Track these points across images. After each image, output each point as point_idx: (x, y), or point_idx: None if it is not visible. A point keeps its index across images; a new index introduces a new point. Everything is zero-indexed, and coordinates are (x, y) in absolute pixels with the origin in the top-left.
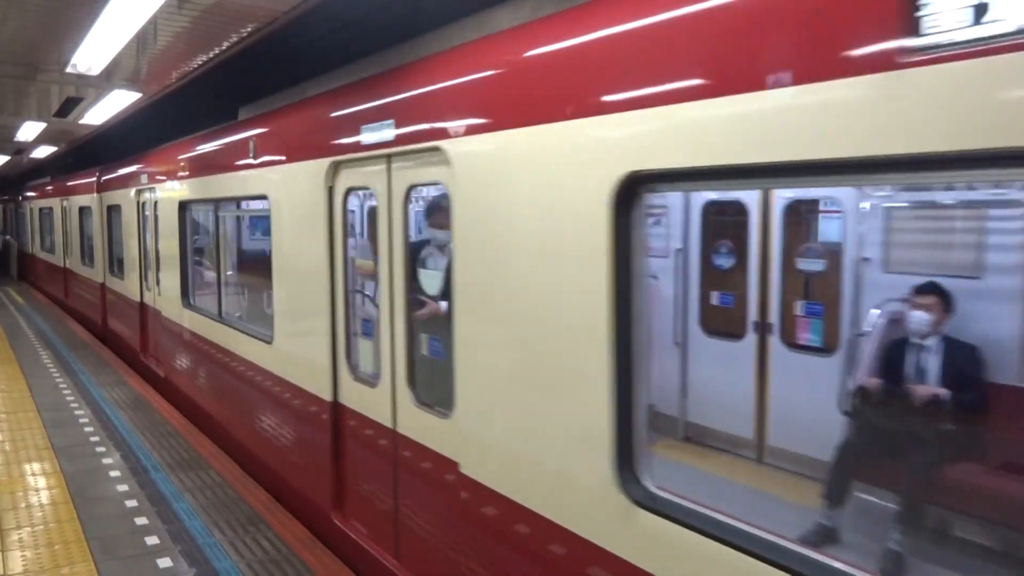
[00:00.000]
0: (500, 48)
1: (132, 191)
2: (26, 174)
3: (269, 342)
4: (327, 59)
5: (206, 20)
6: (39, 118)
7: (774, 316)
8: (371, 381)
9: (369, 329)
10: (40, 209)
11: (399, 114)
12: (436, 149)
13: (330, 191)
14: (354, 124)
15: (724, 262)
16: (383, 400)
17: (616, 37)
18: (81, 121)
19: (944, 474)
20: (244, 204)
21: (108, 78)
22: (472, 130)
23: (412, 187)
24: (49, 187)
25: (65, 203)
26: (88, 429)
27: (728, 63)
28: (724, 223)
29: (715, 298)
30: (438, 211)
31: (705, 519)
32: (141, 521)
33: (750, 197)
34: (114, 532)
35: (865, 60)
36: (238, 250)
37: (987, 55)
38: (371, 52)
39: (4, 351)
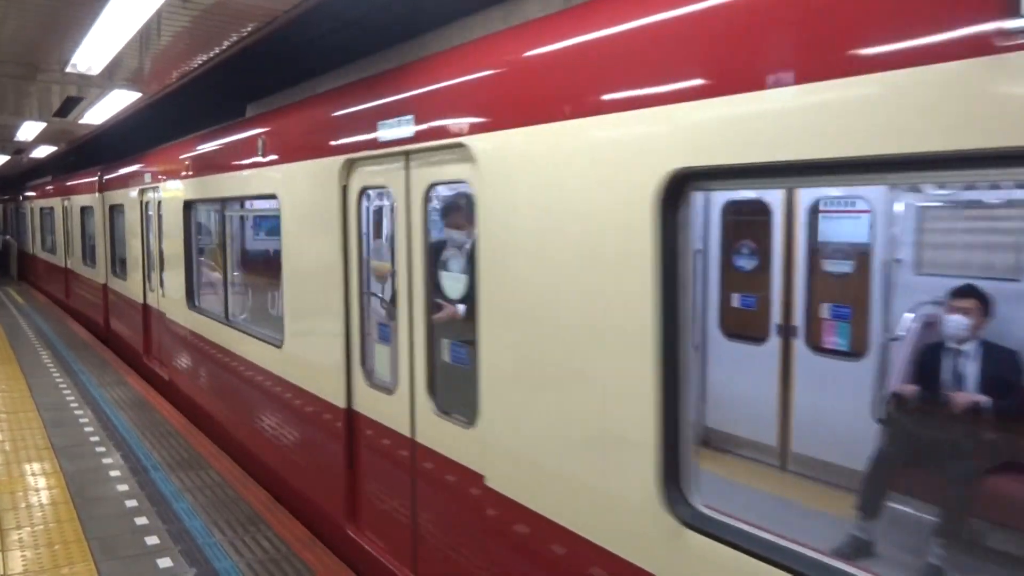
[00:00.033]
0: (532, 39)
1: (135, 191)
2: (26, 174)
3: (279, 346)
4: (333, 57)
5: (206, 19)
6: (39, 118)
7: (798, 319)
8: (388, 388)
9: (385, 334)
10: (41, 209)
11: (419, 109)
12: (460, 146)
13: (344, 190)
14: (370, 120)
15: (746, 263)
16: (400, 408)
17: (668, 23)
18: (81, 121)
19: (985, 484)
20: (247, 204)
21: (108, 78)
22: (500, 125)
23: (432, 186)
24: (50, 187)
25: (66, 203)
26: (88, 429)
27: (801, 48)
28: (746, 223)
29: (736, 300)
30: (455, 211)
31: (761, 542)
32: (141, 521)
33: (773, 196)
34: (114, 532)
35: (961, 44)
36: (246, 251)
37: None
38: (372, 51)
39: (4, 351)
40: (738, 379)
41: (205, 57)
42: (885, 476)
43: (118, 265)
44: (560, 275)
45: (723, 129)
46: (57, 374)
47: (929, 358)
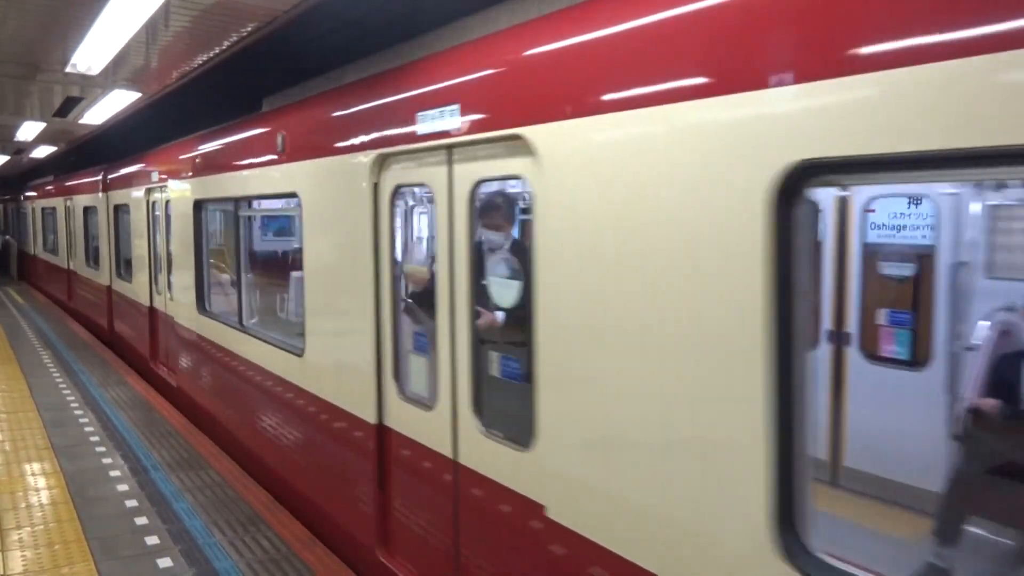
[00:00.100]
0: (608, 14)
1: (142, 190)
2: (26, 173)
3: (299, 354)
4: (333, 57)
5: (206, 19)
6: (39, 118)
7: (852, 325)
8: (425, 403)
9: (422, 344)
10: (43, 209)
11: (467, 97)
12: (515, 137)
13: (375, 188)
14: (407, 111)
15: None
16: (441, 426)
17: None
18: (81, 121)
19: None
20: (257, 204)
21: (108, 78)
22: (569, 113)
23: (480, 182)
24: (52, 186)
25: (69, 203)
26: (88, 429)
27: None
28: None
29: None
30: (493, 210)
31: None
32: (141, 521)
33: (823, 191)
34: (114, 532)
35: None
36: (262, 253)
37: None
38: (373, 51)
39: (4, 351)
40: None
41: (205, 57)
42: (964, 498)
43: (123, 267)
44: (642, 283)
45: (863, 113)
46: (57, 374)
47: (1006, 369)
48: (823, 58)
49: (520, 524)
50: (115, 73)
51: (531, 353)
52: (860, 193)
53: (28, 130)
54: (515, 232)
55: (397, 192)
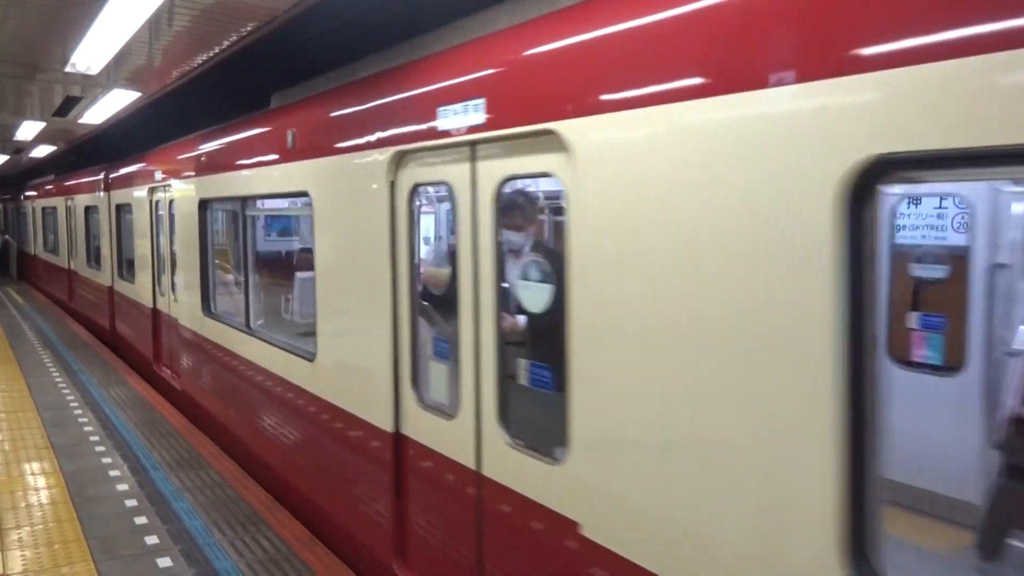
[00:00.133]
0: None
1: (144, 189)
2: (26, 173)
3: (311, 359)
4: (335, 56)
5: (206, 19)
6: (38, 117)
7: (880, 329)
8: (445, 411)
9: (442, 350)
10: (43, 208)
11: (494, 90)
12: (548, 132)
13: (392, 186)
14: (426, 106)
15: None
16: (463, 435)
17: None
18: (80, 120)
19: None
20: (258, 203)
21: (108, 77)
22: (610, 106)
23: (507, 180)
24: (52, 186)
25: (70, 202)
26: (88, 428)
27: None
28: None
29: None
30: (514, 209)
31: None
32: (140, 520)
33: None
34: (113, 531)
35: None
36: (270, 253)
37: None
38: (373, 50)
39: (4, 351)
40: None
41: (205, 56)
42: (1008, 511)
43: (125, 267)
44: (699, 286)
45: (952, 102)
46: (57, 374)
47: None
48: (900, 47)
49: (551, 542)
50: (114, 73)
51: (564, 360)
52: (890, 191)
53: (27, 129)
54: (538, 232)
55: (415, 191)
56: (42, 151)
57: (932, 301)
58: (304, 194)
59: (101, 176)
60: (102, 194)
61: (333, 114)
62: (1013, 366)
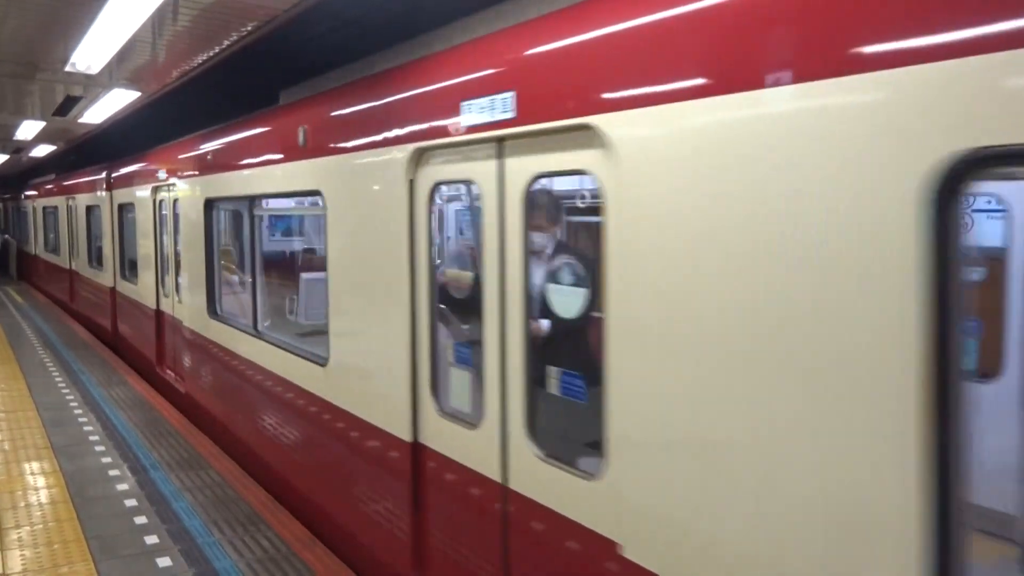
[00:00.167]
0: None
1: (148, 189)
2: (26, 172)
3: (323, 364)
4: (335, 56)
5: (206, 18)
6: (38, 117)
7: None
8: (468, 420)
9: (464, 356)
10: (44, 208)
11: (524, 82)
12: (584, 127)
13: (411, 185)
14: (449, 100)
15: None
16: (488, 446)
17: None
18: (80, 120)
19: None
20: (266, 202)
21: (108, 77)
22: (659, 98)
23: (537, 177)
24: (53, 185)
25: (71, 202)
26: (87, 428)
27: None
28: None
29: None
30: (536, 209)
31: None
32: (140, 520)
33: None
34: (113, 531)
35: None
36: (278, 254)
37: None
38: (373, 51)
39: (4, 351)
40: None
41: (205, 56)
42: None
43: (127, 268)
44: (756, 294)
45: None
46: (56, 374)
47: None
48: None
49: (587, 563)
50: (114, 72)
51: (602, 369)
52: None
53: (27, 129)
54: (567, 232)
55: (436, 189)
56: (42, 151)
57: (968, 304)
58: (316, 193)
59: (103, 175)
60: (104, 193)
61: (348, 110)
62: None
